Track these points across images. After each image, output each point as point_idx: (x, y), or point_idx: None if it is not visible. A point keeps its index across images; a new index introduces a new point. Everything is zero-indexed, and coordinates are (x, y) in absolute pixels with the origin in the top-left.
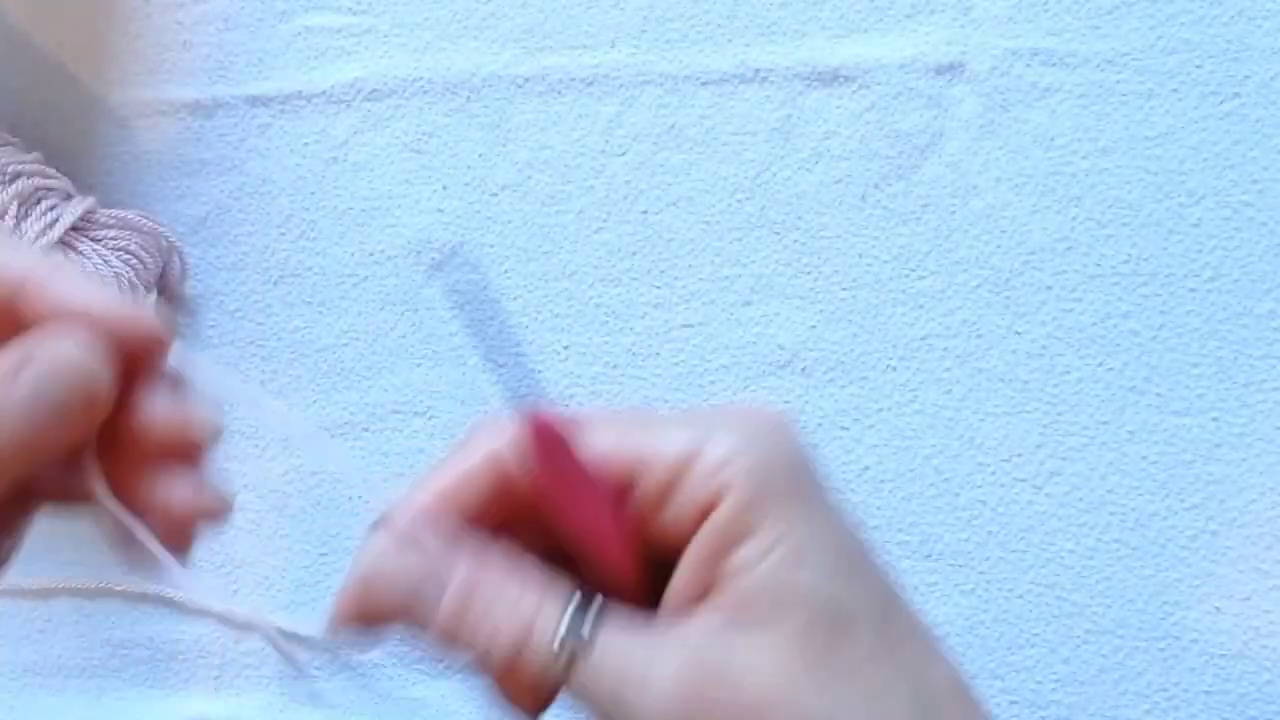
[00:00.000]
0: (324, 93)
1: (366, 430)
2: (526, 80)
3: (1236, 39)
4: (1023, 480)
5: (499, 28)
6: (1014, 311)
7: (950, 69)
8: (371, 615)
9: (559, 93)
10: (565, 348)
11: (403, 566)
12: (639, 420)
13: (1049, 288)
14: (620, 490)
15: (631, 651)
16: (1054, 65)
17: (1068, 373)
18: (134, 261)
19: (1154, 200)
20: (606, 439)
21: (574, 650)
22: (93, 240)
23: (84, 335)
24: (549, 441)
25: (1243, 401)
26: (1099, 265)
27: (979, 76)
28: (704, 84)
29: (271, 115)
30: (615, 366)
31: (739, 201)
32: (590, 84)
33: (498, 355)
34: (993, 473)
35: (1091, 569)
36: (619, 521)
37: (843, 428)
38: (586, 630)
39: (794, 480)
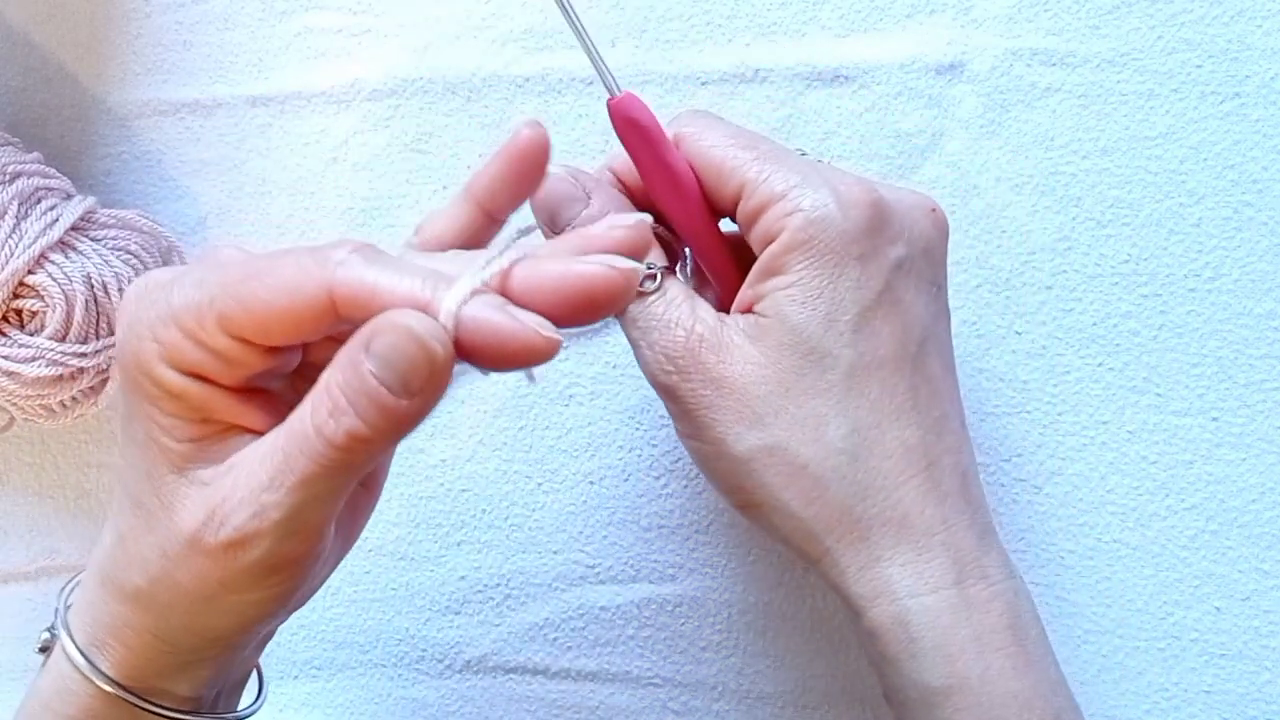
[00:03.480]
0: (324, 93)
1: None
2: (526, 80)
3: (1236, 39)
4: (1022, 480)
5: (499, 28)
6: (1014, 311)
7: (950, 69)
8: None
9: (559, 93)
10: (565, 347)
11: (562, 185)
12: (767, 152)
13: (1049, 288)
14: (700, 186)
15: (670, 308)
16: (1054, 65)
17: (1068, 373)
18: (134, 261)
19: (1154, 200)
20: (722, 146)
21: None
22: (93, 240)
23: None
24: (632, 124)
25: (1243, 401)
26: (1099, 265)
27: (979, 76)
28: (704, 84)
29: (271, 115)
30: (615, 366)
31: None
32: (590, 84)
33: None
34: (993, 473)
35: (1091, 569)
36: (695, 206)
37: None
38: (643, 288)
39: (846, 243)
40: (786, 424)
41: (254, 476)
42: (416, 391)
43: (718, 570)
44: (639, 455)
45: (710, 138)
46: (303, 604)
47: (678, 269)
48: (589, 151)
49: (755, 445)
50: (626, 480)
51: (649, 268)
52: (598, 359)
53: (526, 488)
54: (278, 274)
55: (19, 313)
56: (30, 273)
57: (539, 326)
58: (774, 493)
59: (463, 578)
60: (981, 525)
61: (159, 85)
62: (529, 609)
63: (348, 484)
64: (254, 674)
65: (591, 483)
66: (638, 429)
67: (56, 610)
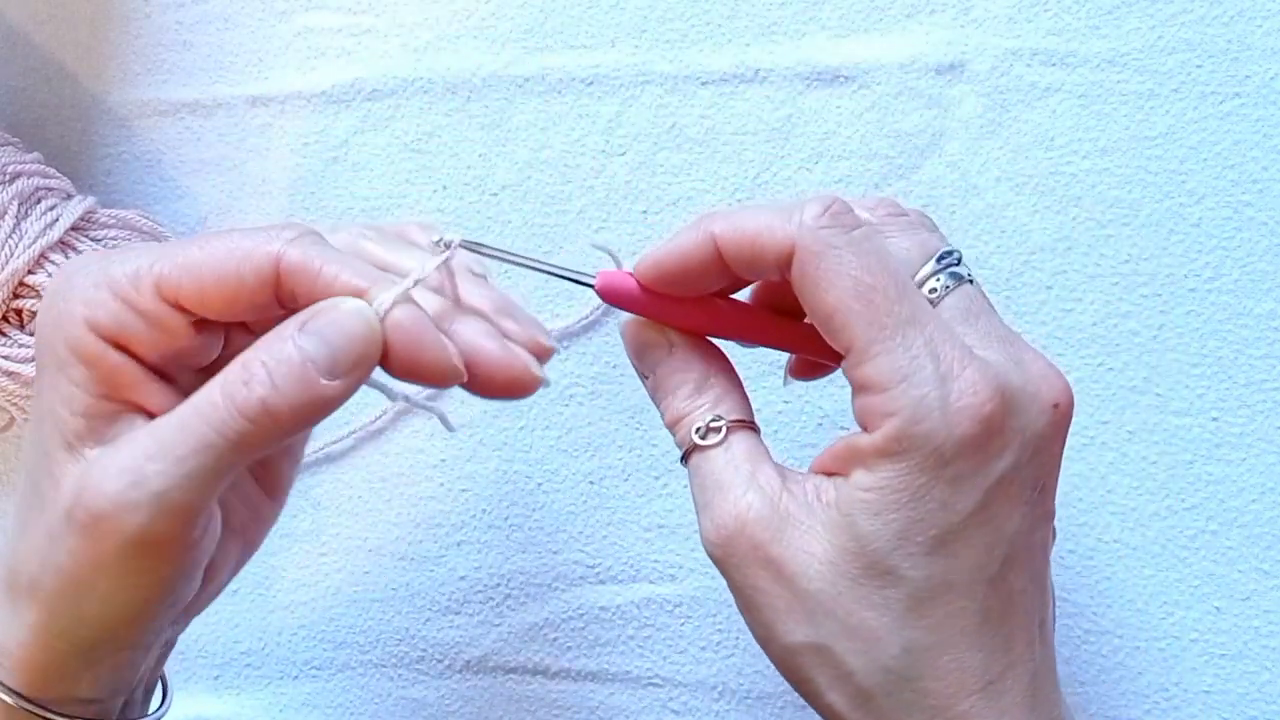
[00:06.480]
0: (324, 93)
1: (370, 429)
2: (526, 80)
3: (1236, 39)
4: None
5: (499, 28)
6: (1014, 311)
7: (950, 69)
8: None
9: (559, 93)
10: (566, 347)
11: (646, 333)
12: (886, 312)
13: (1049, 288)
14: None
15: (728, 469)
16: (1054, 65)
17: (1068, 373)
18: None
19: (1154, 200)
20: (836, 291)
21: (692, 449)
22: (93, 240)
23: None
24: (622, 298)
25: (1243, 401)
26: (1099, 265)
27: (979, 76)
28: (704, 84)
29: (271, 115)
30: (615, 366)
31: (739, 201)
32: (590, 84)
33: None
34: None
35: (1091, 569)
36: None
37: (842, 427)
38: (705, 441)
39: (941, 464)
40: (836, 628)
41: (137, 444)
42: (340, 374)
43: (718, 570)
44: (639, 455)
45: (827, 279)
46: (198, 610)
47: None
48: (589, 151)
49: (804, 641)
50: (626, 480)
51: (714, 420)
52: (598, 359)
53: (526, 488)
54: (226, 241)
55: (19, 313)
56: (30, 273)
57: (455, 351)
58: (820, 689)
59: (463, 578)
60: None
61: (159, 85)
62: (529, 609)
63: (236, 465)
64: (159, 684)
65: (591, 483)
66: (638, 429)
67: None
